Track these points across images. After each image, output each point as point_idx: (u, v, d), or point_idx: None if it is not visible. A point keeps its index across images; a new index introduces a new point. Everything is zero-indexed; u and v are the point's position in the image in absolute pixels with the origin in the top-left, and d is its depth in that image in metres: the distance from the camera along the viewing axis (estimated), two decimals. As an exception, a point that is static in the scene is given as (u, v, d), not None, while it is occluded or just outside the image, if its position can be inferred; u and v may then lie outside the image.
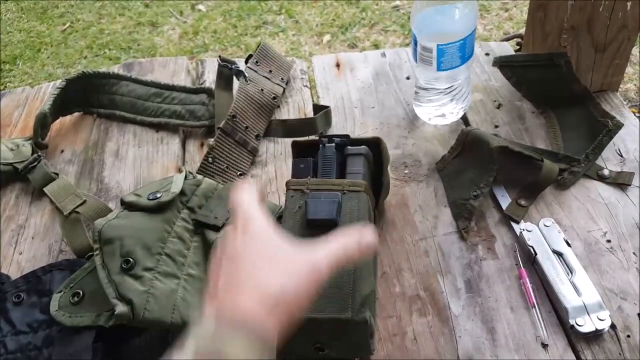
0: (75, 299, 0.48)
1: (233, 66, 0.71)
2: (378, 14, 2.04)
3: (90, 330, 0.47)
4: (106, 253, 0.48)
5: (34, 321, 0.50)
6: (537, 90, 0.69)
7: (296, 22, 2.09)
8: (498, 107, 0.70)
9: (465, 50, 0.59)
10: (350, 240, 0.36)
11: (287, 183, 0.52)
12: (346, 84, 0.76)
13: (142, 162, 0.70)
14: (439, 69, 0.60)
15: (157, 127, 0.74)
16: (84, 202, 0.60)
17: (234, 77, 0.72)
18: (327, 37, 1.98)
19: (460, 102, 0.66)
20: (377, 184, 0.55)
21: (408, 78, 0.75)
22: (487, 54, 0.78)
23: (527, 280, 0.52)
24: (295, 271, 0.33)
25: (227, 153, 0.66)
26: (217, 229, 0.53)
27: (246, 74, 0.70)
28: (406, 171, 0.64)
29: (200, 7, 2.16)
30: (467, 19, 0.58)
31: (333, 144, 0.53)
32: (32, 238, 0.62)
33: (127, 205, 0.52)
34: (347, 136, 0.54)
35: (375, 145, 0.55)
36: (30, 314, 0.50)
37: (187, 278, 0.50)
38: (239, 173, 0.66)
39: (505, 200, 0.59)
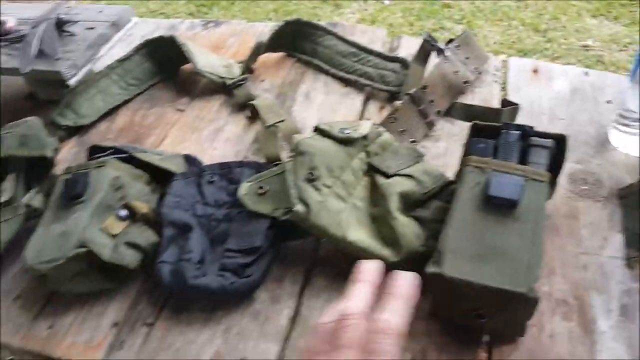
0: (260, 190, 0.55)
1: (436, 43, 0.74)
2: (564, 49, 1.94)
3: (266, 218, 0.54)
4: (298, 162, 0.54)
5: (220, 199, 0.58)
6: None
7: (474, 35, 2.07)
8: (702, 155, 0.65)
9: (692, 82, 0.56)
10: None
11: (467, 159, 0.53)
12: (539, 90, 0.75)
13: (327, 108, 0.76)
14: (657, 92, 0.57)
15: (346, 82, 0.80)
16: (283, 120, 0.69)
17: (432, 54, 0.75)
18: (502, 57, 1.94)
19: (663, 136, 0.63)
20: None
21: (609, 102, 0.72)
22: (702, 101, 0.72)
23: (694, 327, 0.48)
24: None
25: (408, 118, 0.70)
26: (386, 176, 0.57)
27: (446, 53, 0.73)
28: (584, 187, 0.62)
29: (386, 1, 2.23)
30: None
31: (519, 131, 0.54)
32: (225, 140, 0.72)
33: (320, 132, 0.58)
34: (531, 127, 0.54)
35: (557, 143, 0.53)
36: (218, 193, 0.59)
37: (352, 207, 0.55)
38: (411, 140, 0.70)
39: (687, 245, 0.55)
